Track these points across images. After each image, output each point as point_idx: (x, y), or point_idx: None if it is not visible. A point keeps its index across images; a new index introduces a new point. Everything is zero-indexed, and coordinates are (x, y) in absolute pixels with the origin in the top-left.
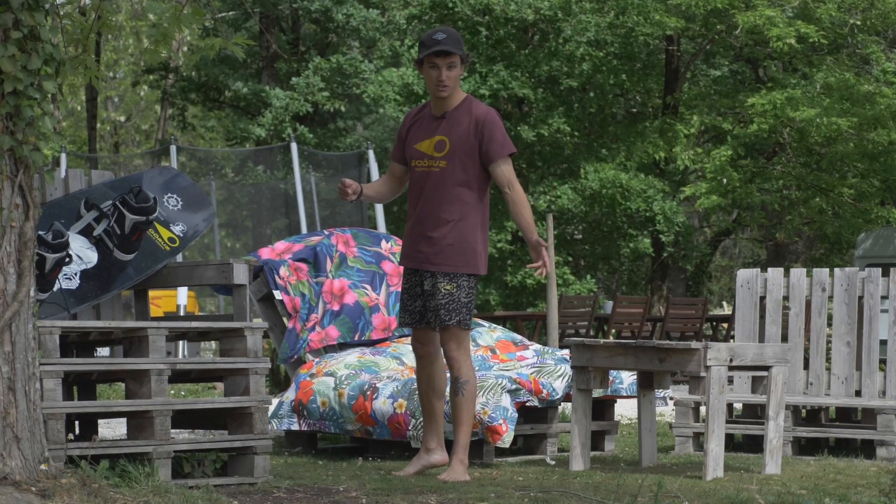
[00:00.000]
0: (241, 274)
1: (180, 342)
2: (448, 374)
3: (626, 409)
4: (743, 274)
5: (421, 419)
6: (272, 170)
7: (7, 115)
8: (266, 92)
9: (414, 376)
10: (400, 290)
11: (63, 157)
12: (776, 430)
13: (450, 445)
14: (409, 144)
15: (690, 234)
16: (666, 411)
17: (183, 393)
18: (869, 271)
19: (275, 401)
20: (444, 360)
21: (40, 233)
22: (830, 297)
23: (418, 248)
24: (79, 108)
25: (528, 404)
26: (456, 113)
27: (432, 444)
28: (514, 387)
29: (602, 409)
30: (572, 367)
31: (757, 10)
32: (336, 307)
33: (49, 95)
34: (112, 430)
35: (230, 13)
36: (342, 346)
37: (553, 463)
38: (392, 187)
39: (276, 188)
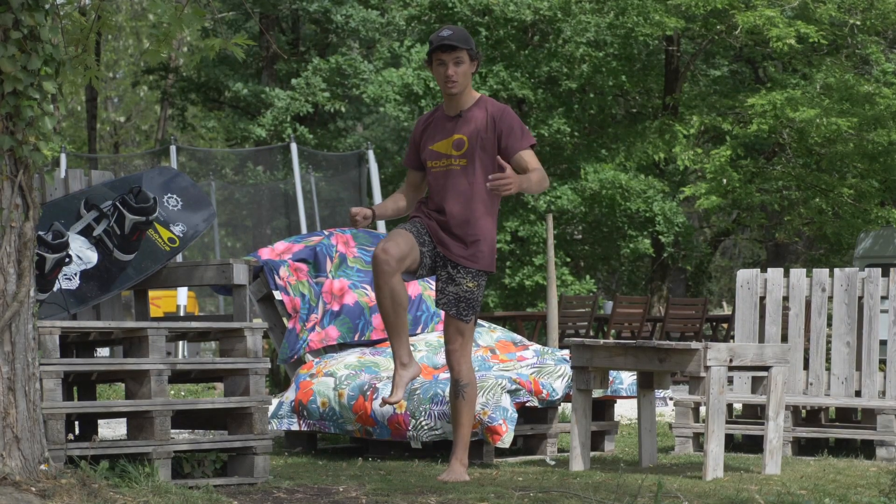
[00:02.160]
0: (240, 274)
1: (180, 342)
2: (449, 375)
3: (625, 410)
4: (743, 274)
5: (421, 419)
6: (272, 170)
7: (7, 115)
8: (266, 92)
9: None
10: None
11: (63, 157)
12: (776, 431)
13: (449, 446)
14: (424, 146)
15: (690, 235)
16: (666, 411)
17: (183, 393)
18: (869, 271)
19: (275, 401)
20: (446, 358)
21: (40, 233)
22: (830, 298)
23: (443, 240)
24: (79, 108)
25: (527, 404)
26: (471, 112)
27: (405, 357)
28: (513, 387)
29: (602, 409)
30: (572, 368)
31: (757, 10)
32: (336, 307)
33: (49, 95)
34: (112, 430)
35: (230, 13)
36: (342, 347)
37: (553, 463)
38: (411, 198)
39: (276, 188)
